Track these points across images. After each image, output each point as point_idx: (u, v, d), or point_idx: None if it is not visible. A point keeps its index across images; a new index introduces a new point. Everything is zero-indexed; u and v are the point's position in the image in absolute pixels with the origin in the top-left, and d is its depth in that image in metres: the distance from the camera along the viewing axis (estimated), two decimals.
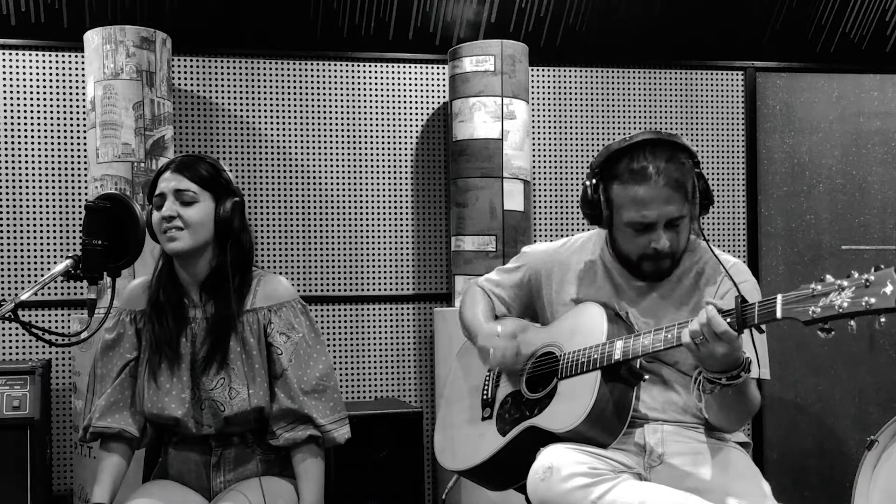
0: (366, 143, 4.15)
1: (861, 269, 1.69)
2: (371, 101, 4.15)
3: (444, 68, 4.15)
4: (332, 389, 2.20)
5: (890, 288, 1.61)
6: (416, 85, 4.19)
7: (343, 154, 4.13)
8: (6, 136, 3.85)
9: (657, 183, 2.02)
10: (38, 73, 3.87)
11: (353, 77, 4.14)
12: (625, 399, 2.01)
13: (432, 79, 4.20)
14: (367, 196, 4.15)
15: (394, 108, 4.17)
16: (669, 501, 1.87)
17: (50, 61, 3.88)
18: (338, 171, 4.12)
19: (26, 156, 3.87)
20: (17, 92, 3.86)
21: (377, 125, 4.16)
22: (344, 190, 4.13)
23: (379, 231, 4.16)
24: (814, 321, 1.68)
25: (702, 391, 1.94)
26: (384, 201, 4.16)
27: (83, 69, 3.76)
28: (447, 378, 2.52)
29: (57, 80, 3.88)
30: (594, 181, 2.11)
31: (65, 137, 3.89)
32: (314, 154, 4.10)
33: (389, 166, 4.16)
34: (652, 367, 2.13)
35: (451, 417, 2.39)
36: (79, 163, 3.89)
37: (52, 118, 3.88)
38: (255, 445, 2.21)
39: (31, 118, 3.87)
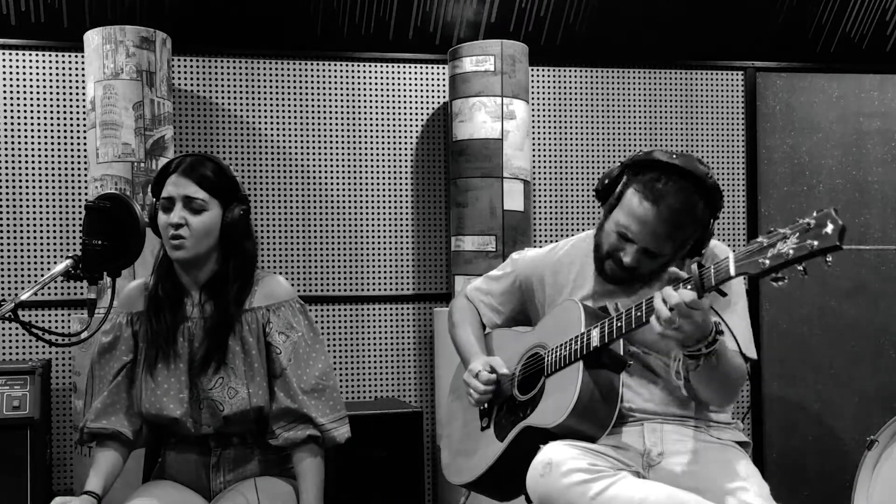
0: (366, 143, 4.15)
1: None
2: (371, 101, 4.15)
3: (444, 68, 4.15)
4: (331, 389, 2.19)
5: (830, 227, 1.63)
6: (416, 85, 4.19)
7: (343, 154, 4.13)
8: (6, 136, 3.85)
9: (658, 213, 2.01)
10: (38, 73, 3.87)
11: (353, 77, 4.14)
12: (611, 386, 2.01)
13: (432, 79, 4.20)
14: (367, 196, 4.15)
15: (394, 108, 4.17)
16: (669, 499, 1.87)
17: (50, 61, 3.88)
18: (338, 171, 4.12)
19: (26, 156, 3.87)
20: (17, 92, 3.86)
21: (377, 125, 4.16)
22: (344, 190, 4.13)
23: (379, 231, 4.16)
24: (764, 272, 1.69)
25: (687, 371, 1.95)
26: (384, 201, 4.16)
27: (83, 69, 3.76)
28: (446, 397, 2.54)
29: (57, 80, 3.89)
30: (621, 167, 2.12)
31: (65, 137, 3.89)
32: (314, 154, 4.10)
33: (389, 166, 4.17)
34: (647, 360, 2.14)
35: (454, 433, 2.41)
36: (79, 163, 3.89)
37: (52, 118, 3.88)
38: (255, 445, 2.21)
39: (31, 118, 3.87)
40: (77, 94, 3.89)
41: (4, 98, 3.85)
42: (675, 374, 2.04)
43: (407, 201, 4.19)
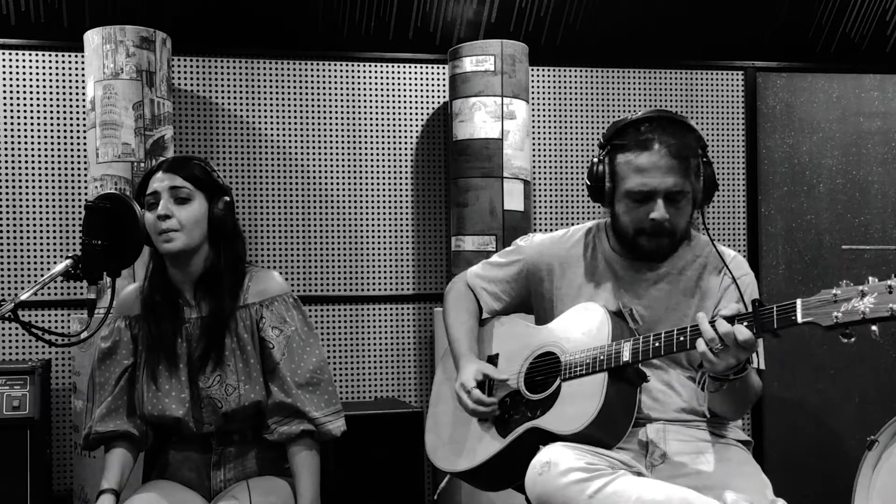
0: (366, 143, 4.15)
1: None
2: (371, 101, 4.15)
3: (444, 68, 4.15)
4: (326, 382, 2.19)
5: None
6: (416, 85, 4.19)
7: (343, 154, 4.13)
8: (6, 136, 3.85)
9: (659, 152, 2.04)
10: (38, 73, 3.87)
11: (353, 77, 4.14)
12: (630, 400, 2.01)
13: (432, 79, 4.20)
14: (367, 196, 4.15)
15: (394, 108, 4.17)
16: (666, 496, 1.86)
17: (50, 61, 3.88)
18: (338, 171, 4.12)
19: (26, 156, 3.87)
20: (17, 92, 3.86)
21: (377, 125, 4.16)
22: (344, 190, 4.13)
23: (379, 231, 4.16)
24: (836, 326, 1.69)
25: (707, 390, 1.95)
26: (384, 201, 4.16)
27: (83, 69, 3.76)
28: (434, 379, 2.48)
29: (57, 80, 3.88)
30: (601, 153, 2.14)
31: (65, 137, 3.89)
32: (314, 154, 4.10)
33: (389, 166, 4.16)
34: (666, 375, 2.13)
35: (443, 417, 2.35)
36: (79, 163, 3.89)
37: (52, 118, 3.88)
38: (255, 442, 2.21)
39: (31, 118, 3.87)
40: (77, 94, 3.89)
41: (4, 98, 3.85)
42: (698, 388, 2.04)
43: (407, 201, 4.19)
